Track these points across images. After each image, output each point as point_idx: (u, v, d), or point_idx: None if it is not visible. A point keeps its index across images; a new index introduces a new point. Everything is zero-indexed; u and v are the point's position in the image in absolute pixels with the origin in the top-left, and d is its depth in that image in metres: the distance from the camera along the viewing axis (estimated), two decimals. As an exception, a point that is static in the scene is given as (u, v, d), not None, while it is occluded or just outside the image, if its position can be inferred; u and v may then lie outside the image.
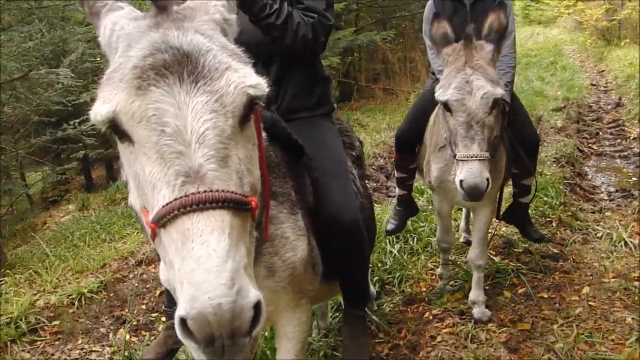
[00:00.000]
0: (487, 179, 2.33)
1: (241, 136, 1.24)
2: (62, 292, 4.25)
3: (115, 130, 1.20)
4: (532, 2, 27.12)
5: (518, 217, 3.65)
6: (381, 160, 7.44)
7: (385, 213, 4.83)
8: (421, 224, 4.63)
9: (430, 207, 4.98)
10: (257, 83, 1.23)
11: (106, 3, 1.38)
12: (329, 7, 2.18)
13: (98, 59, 10.87)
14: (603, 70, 14.45)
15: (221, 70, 1.20)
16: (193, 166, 1.11)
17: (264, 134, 1.68)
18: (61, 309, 4.05)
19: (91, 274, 4.67)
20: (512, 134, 3.08)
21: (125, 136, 1.20)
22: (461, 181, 2.34)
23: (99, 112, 1.18)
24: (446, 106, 2.42)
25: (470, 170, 2.29)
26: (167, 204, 1.10)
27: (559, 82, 12.94)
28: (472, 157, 2.29)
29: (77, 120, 8.90)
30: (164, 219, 1.10)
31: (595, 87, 12.67)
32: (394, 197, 4.97)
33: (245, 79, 1.22)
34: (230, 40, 1.37)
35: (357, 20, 13.27)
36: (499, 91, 2.36)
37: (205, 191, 1.09)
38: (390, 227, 3.81)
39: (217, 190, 1.10)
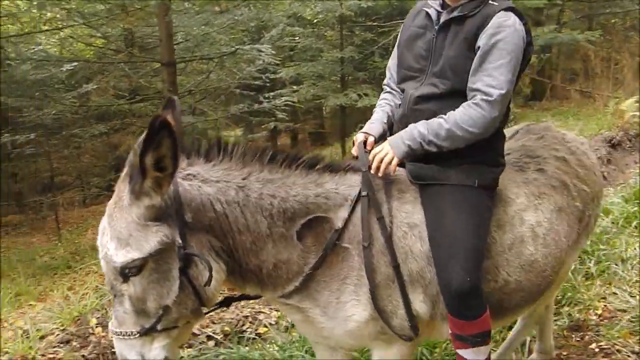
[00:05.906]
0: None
1: None
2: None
3: None
4: None
5: None
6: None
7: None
8: (601, 247, 4.29)
9: (614, 230, 4.62)
10: None
11: None
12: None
13: (297, 38, 11.53)
14: None
15: None
16: None
17: None
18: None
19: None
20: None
21: None
22: None
23: None
24: None
25: (117, 348, 1.82)
26: None
27: None
28: (114, 333, 1.79)
29: (272, 94, 9.57)
30: None
31: None
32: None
33: None
34: None
35: (560, 16, 12.40)
36: (124, 257, 1.68)
37: None
38: None
39: None
